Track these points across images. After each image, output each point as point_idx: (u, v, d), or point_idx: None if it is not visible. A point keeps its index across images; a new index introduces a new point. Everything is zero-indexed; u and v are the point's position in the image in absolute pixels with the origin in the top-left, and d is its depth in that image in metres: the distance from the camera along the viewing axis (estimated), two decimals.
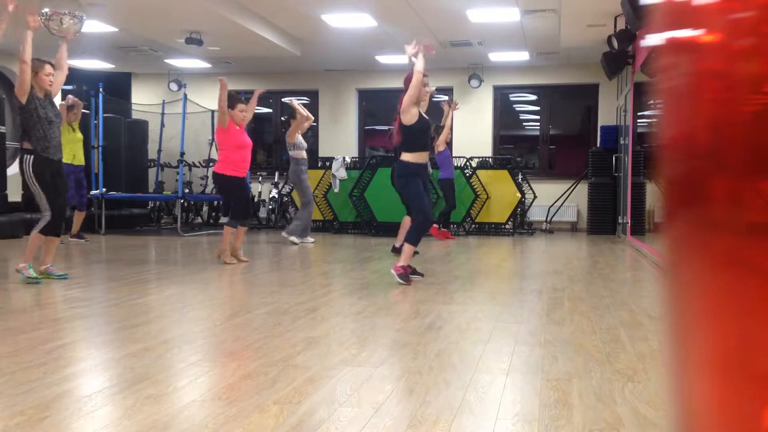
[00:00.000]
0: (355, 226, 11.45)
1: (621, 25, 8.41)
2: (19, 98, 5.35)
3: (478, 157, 11.61)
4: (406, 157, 5.64)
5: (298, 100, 9.24)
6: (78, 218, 9.02)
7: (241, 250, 7.09)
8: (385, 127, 11.01)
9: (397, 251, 7.50)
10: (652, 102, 0.85)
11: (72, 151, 8.64)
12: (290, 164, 9.02)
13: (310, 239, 9.33)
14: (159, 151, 12.17)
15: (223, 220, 11.27)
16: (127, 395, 2.56)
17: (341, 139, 13.52)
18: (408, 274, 5.54)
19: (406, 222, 7.63)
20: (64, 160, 8.35)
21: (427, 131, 5.75)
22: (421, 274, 5.84)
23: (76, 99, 9.06)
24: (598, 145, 11.95)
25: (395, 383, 2.75)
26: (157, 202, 12.71)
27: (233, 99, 6.94)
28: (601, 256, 7.97)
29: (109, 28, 9.77)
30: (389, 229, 10.45)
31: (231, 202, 7.36)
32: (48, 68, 5.56)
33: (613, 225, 11.48)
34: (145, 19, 9.29)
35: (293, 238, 9.01)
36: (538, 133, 13.18)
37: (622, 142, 10.87)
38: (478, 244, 9.68)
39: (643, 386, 2.73)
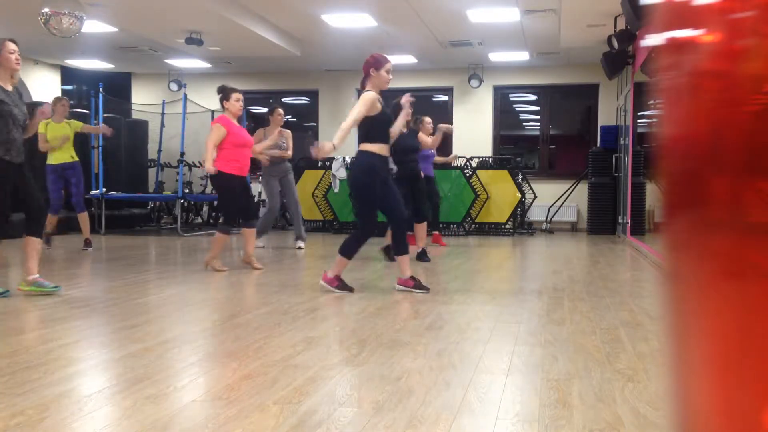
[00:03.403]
0: (355, 227, 11.42)
1: (621, 25, 8.41)
2: None
3: (478, 157, 11.61)
4: (365, 147, 5.03)
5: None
6: (84, 221, 8.32)
7: (254, 256, 6.56)
8: None
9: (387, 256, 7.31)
10: (652, 102, 0.85)
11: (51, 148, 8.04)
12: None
13: (259, 243, 8.58)
14: (159, 151, 12.18)
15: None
16: (126, 395, 2.56)
17: None
18: (344, 283, 5.10)
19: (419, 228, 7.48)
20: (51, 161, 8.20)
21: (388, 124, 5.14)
22: (351, 289, 5.12)
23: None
24: (598, 145, 11.95)
25: (395, 383, 2.75)
26: (157, 202, 12.72)
27: (227, 89, 6.42)
28: (601, 256, 7.97)
29: (109, 28, 9.77)
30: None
31: (226, 206, 6.52)
32: (10, 45, 4.82)
33: (613, 225, 11.48)
34: (145, 19, 9.29)
35: (257, 243, 8.48)
36: (538, 133, 13.18)
37: (622, 142, 10.87)
38: (478, 244, 9.68)
39: (643, 386, 2.73)
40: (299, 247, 8.62)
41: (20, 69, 4.93)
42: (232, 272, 6.22)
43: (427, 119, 9.16)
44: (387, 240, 7.29)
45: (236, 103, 6.35)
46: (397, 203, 5.12)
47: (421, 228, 7.50)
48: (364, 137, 5.06)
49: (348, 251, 5.07)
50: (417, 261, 7.23)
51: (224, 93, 6.41)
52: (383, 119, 5.04)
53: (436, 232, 9.38)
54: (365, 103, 4.95)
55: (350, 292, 5.07)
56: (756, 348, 0.57)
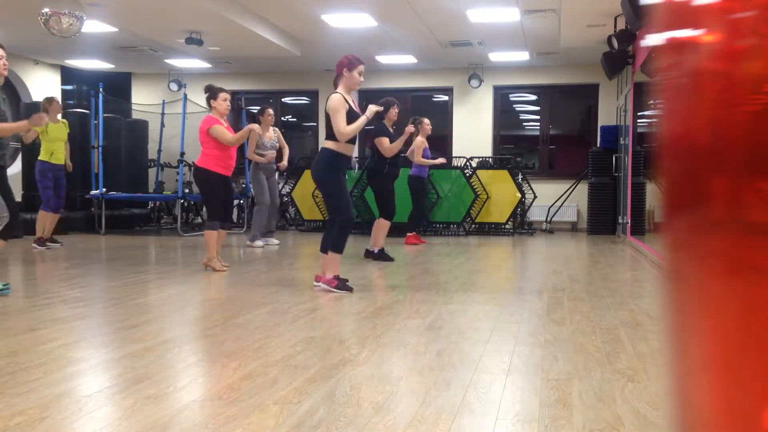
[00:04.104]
0: (355, 226, 11.43)
1: (621, 25, 8.41)
2: None
3: (478, 157, 11.61)
4: (330, 145, 5.10)
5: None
6: (53, 220, 8.26)
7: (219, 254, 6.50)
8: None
9: (371, 255, 7.37)
10: (652, 102, 0.85)
11: (50, 148, 8.10)
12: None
13: (259, 242, 8.74)
14: (159, 151, 12.18)
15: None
16: (126, 395, 2.56)
17: None
18: (344, 283, 5.10)
19: (381, 224, 7.49)
20: (43, 158, 8.18)
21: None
22: (351, 289, 5.11)
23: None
24: (598, 145, 11.95)
25: (395, 383, 2.75)
26: (157, 202, 12.72)
27: (215, 89, 6.41)
28: (601, 256, 7.97)
29: (109, 28, 9.77)
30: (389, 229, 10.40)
31: (209, 202, 6.47)
32: None
33: (613, 225, 11.48)
34: (145, 19, 9.29)
35: (258, 243, 8.69)
36: (538, 133, 13.18)
37: (622, 142, 10.87)
38: (478, 244, 9.68)
39: (643, 386, 2.73)
40: (261, 246, 8.68)
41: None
42: (232, 272, 6.22)
43: (426, 120, 9.17)
44: (374, 244, 7.42)
45: (223, 102, 6.36)
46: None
47: (386, 227, 7.47)
48: (330, 135, 5.13)
49: (338, 246, 5.09)
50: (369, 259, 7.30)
51: (212, 92, 6.39)
52: (350, 119, 5.16)
53: (414, 232, 9.48)
54: (336, 108, 5.13)
55: (350, 292, 5.07)
56: (756, 348, 0.57)
